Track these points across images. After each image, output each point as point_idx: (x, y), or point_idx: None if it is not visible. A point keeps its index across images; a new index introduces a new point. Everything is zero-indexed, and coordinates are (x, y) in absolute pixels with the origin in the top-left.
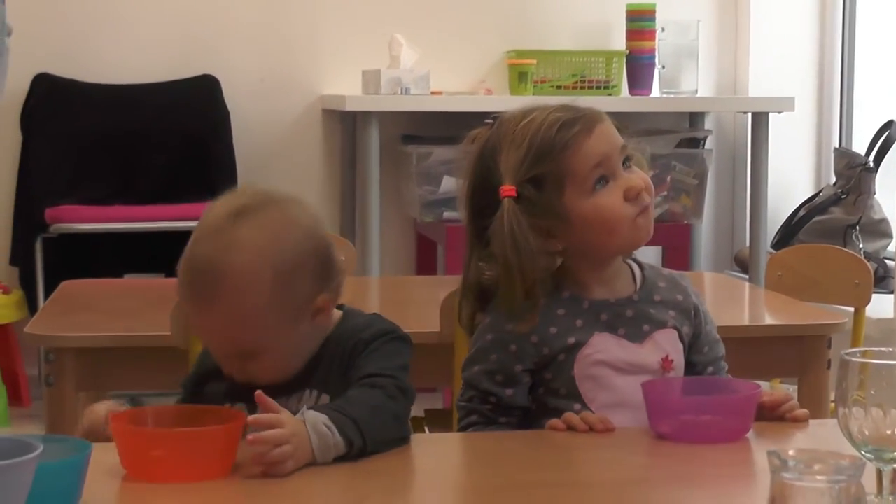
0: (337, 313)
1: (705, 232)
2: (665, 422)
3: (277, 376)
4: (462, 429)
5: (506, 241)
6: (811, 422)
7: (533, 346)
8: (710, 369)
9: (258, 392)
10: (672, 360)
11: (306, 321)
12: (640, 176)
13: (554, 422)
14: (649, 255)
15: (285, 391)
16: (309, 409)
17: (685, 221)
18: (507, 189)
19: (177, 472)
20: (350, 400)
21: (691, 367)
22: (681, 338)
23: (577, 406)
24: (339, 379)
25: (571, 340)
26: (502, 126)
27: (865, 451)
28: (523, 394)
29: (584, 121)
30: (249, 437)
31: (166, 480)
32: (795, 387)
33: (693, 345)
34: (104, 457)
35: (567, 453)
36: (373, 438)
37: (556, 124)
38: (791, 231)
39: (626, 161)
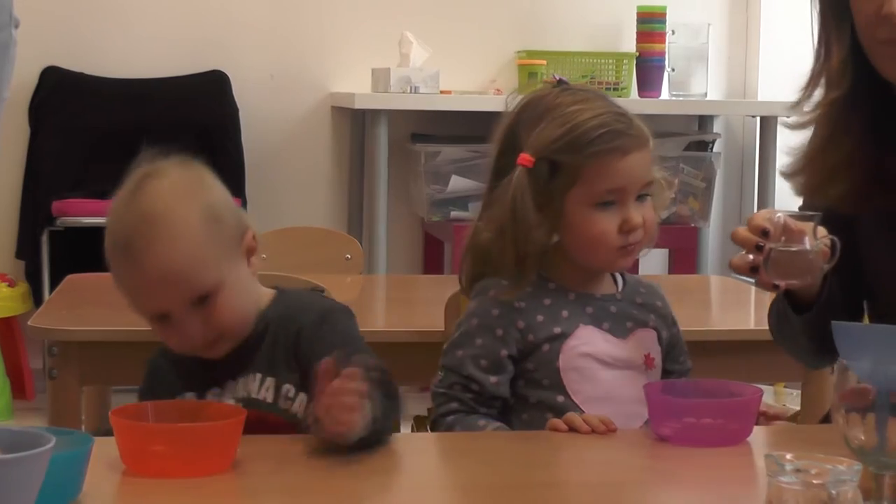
0: (269, 292)
1: (712, 235)
2: (667, 424)
3: (236, 321)
4: (440, 416)
5: (506, 206)
6: (813, 426)
7: (519, 331)
8: (683, 380)
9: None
10: (654, 359)
11: (243, 261)
12: (645, 214)
13: (555, 422)
14: (656, 257)
15: (231, 373)
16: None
17: (692, 224)
18: (526, 158)
19: (177, 467)
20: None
21: (667, 375)
22: (660, 340)
23: (561, 398)
24: (285, 361)
25: (557, 330)
26: (556, 97)
27: (863, 457)
28: (506, 384)
29: (628, 140)
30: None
31: (166, 476)
32: (799, 391)
33: (669, 353)
34: (106, 451)
35: (560, 453)
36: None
37: (602, 127)
38: None
39: (644, 196)
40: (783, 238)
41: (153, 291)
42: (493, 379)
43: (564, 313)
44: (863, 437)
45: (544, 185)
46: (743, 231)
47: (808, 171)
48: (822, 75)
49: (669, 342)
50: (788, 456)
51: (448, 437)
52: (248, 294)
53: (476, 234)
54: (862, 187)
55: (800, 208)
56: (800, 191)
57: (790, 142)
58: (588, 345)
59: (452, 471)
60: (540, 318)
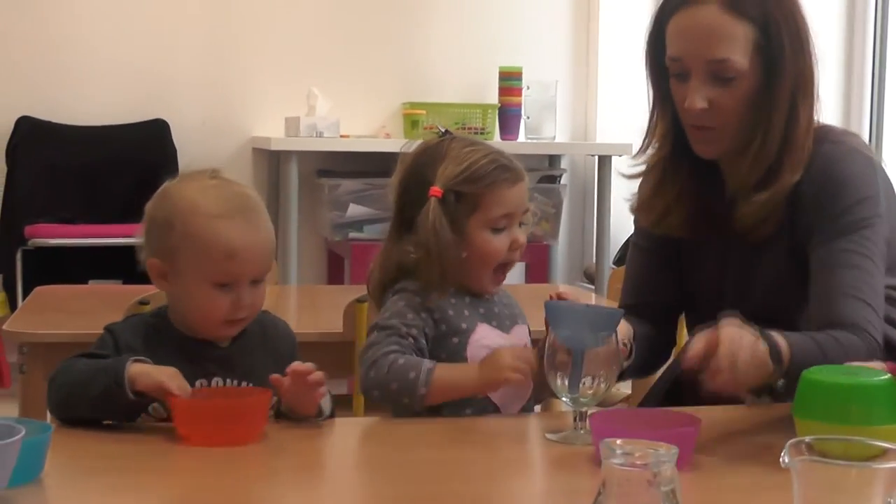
0: None
1: (560, 251)
2: None
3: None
4: (381, 355)
5: (429, 232)
6: (641, 409)
7: (434, 320)
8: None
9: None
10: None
11: None
12: (524, 236)
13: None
14: (516, 269)
15: (210, 373)
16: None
17: (544, 242)
18: (437, 190)
19: (223, 436)
20: None
21: None
22: (530, 333)
23: None
24: (265, 368)
25: (463, 326)
26: (449, 143)
27: (563, 397)
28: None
29: (515, 173)
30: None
31: (214, 444)
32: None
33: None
34: (66, 439)
35: (473, 434)
36: None
37: (494, 163)
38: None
39: (521, 223)
40: None
41: (247, 256)
42: (422, 341)
43: (466, 312)
44: (561, 383)
45: (453, 211)
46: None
47: (647, 210)
48: (653, 136)
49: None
50: (619, 441)
51: (359, 421)
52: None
53: (396, 255)
54: (691, 219)
55: (635, 236)
56: (643, 223)
57: (627, 183)
58: (487, 338)
59: (363, 451)
60: (450, 312)
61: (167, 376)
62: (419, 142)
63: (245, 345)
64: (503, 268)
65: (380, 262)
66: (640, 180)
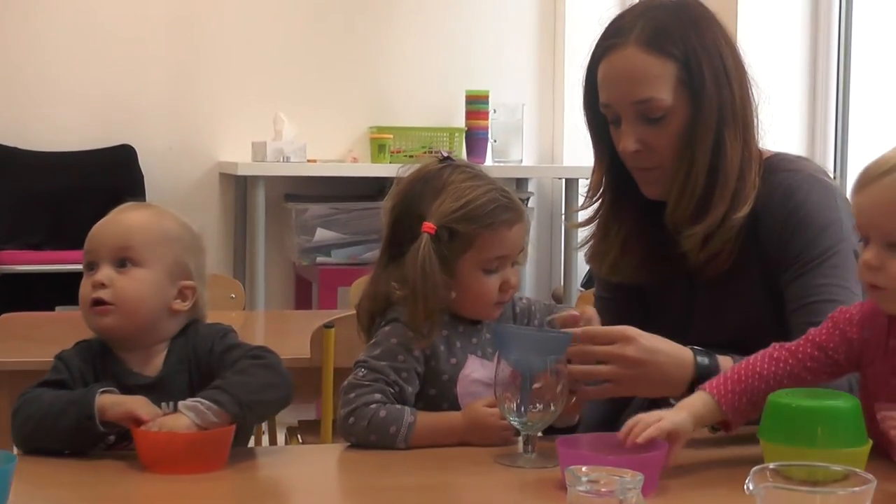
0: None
1: (529, 273)
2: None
3: (134, 299)
4: (363, 404)
5: (417, 269)
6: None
7: (426, 356)
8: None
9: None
10: (517, 373)
11: (172, 285)
12: (516, 277)
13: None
14: None
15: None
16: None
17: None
18: (430, 226)
19: (187, 466)
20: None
21: None
22: None
23: None
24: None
25: (453, 361)
26: (450, 175)
27: (512, 420)
28: (414, 396)
29: (513, 214)
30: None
31: (178, 473)
32: None
33: None
34: (30, 468)
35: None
36: (243, 388)
37: (494, 202)
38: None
39: (515, 262)
40: None
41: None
42: (409, 389)
43: (458, 343)
44: (512, 406)
45: (444, 248)
46: None
47: (598, 257)
48: (596, 185)
49: None
50: (584, 469)
51: (325, 448)
52: (156, 298)
53: (384, 288)
54: (646, 263)
55: (596, 288)
56: (598, 272)
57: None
58: (476, 372)
59: (328, 477)
60: (442, 347)
61: (137, 405)
62: (417, 165)
63: (171, 368)
64: (498, 308)
65: (369, 291)
66: (588, 229)
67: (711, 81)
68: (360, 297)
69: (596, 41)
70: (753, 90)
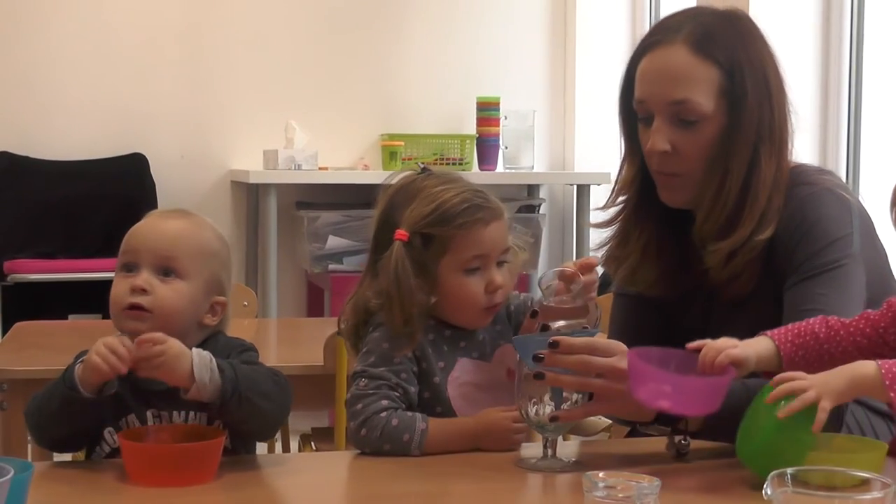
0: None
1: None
2: (643, 388)
3: (173, 310)
4: (373, 413)
5: (390, 277)
6: (620, 440)
7: (416, 357)
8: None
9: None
10: (514, 372)
11: (206, 299)
12: (505, 276)
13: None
14: None
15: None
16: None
17: (524, 272)
18: (402, 234)
19: (175, 479)
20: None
21: None
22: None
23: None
24: None
25: (442, 364)
26: (423, 181)
27: (530, 423)
28: (417, 398)
29: (488, 212)
30: (137, 339)
31: (164, 485)
32: None
33: None
34: (46, 476)
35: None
36: (245, 377)
37: (466, 202)
38: (607, 279)
39: (502, 262)
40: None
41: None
42: (412, 389)
43: (445, 347)
44: (534, 413)
45: (420, 255)
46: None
47: (614, 261)
48: (621, 185)
49: None
50: (601, 474)
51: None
52: (191, 311)
53: (362, 299)
54: (665, 274)
55: (615, 286)
56: (613, 276)
57: (605, 214)
58: (466, 374)
59: (337, 484)
60: (430, 350)
61: (97, 353)
62: (401, 176)
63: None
64: (488, 312)
65: (351, 304)
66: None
67: (753, 96)
68: (340, 314)
69: (640, 38)
70: (791, 115)
